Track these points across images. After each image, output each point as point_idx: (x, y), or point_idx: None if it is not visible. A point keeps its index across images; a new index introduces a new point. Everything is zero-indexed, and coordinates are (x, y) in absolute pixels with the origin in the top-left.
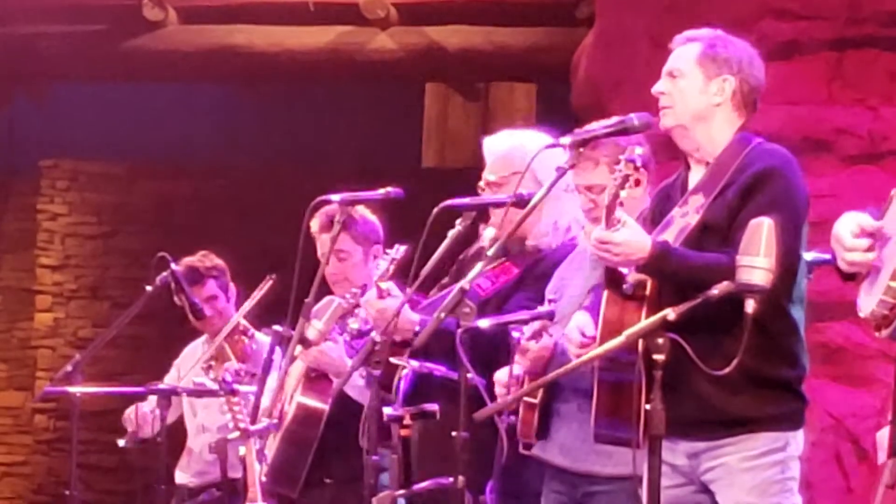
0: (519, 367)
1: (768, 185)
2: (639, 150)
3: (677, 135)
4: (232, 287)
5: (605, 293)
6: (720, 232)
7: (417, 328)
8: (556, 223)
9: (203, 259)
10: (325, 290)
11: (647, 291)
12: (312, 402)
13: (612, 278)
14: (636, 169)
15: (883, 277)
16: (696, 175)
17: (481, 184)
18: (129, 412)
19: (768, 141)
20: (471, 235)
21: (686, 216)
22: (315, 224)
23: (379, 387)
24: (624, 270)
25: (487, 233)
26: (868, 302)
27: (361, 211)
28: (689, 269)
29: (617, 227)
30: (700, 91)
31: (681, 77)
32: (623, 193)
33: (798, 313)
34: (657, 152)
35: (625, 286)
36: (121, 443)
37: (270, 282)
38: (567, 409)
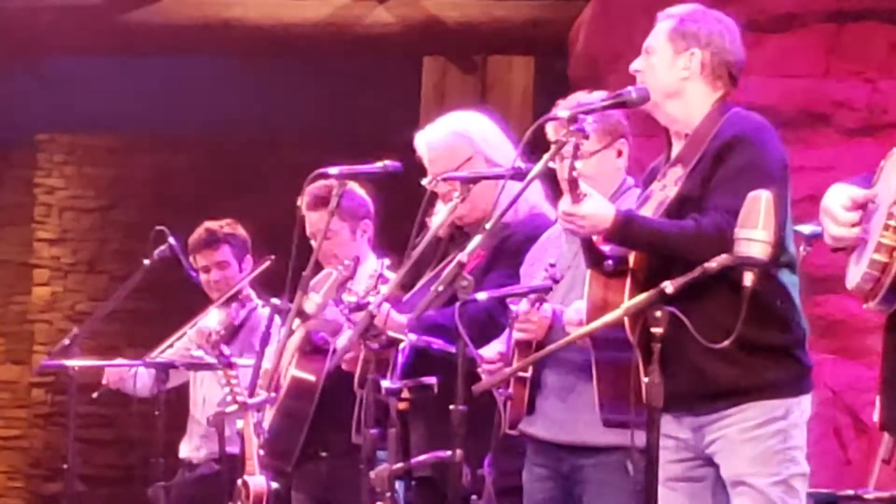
0: (516, 335)
1: (737, 151)
2: (589, 119)
3: (652, 110)
4: (249, 259)
5: (588, 273)
6: (698, 202)
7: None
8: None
9: (224, 225)
10: None
11: (630, 265)
12: (306, 376)
13: (594, 258)
14: (585, 137)
15: (868, 250)
16: (677, 148)
17: (427, 179)
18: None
19: (762, 112)
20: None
21: (665, 189)
22: (302, 202)
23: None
24: (605, 249)
25: (435, 220)
26: (854, 274)
27: (349, 186)
28: (655, 236)
29: (582, 199)
30: (668, 66)
31: (653, 54)
32: (578, 164)
33: (788, 278)
34: (651, 128)
35: (606, 263)
36: (94, 395)
37: (269, 262)
38: (553, 380)
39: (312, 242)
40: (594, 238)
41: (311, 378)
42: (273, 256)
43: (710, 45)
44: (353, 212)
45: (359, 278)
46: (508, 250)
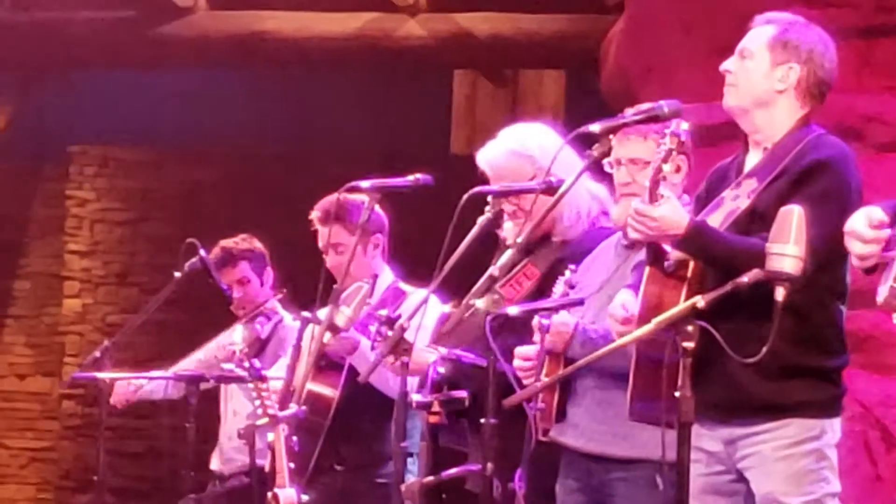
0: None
1: (821, 176)
2: (685, 125)
3: (737, 115)
4: (269, 272)
5: (647, 269)
6: (769, 219)
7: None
8: (578, 213)
9: (240, 242)
10: None
11: (689, 272)
12: (321, 390)
13: (655, 255)
14: (680, 143)
15: (888, 274)
16: (753, 158)
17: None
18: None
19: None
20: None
21: (737, 199)
22: (315, 216)
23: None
24: (667, 248)
25: (507, 226)
26: (884, 289)
27: (359, 199)
28: (724, 251)
29: (659, 201)
30: (764, 75)
31: (749, 58)
32: (666, 167)
33: (841, 307)
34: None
35: (666, 263)
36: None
37: (280, 295)
38: (583, 387)
39: (325, 257)
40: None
41: (327, 392)
42: (284, 290)
43: (809, 62)
44: (363, 226)
45: (375, 294)
46: (562, 271)
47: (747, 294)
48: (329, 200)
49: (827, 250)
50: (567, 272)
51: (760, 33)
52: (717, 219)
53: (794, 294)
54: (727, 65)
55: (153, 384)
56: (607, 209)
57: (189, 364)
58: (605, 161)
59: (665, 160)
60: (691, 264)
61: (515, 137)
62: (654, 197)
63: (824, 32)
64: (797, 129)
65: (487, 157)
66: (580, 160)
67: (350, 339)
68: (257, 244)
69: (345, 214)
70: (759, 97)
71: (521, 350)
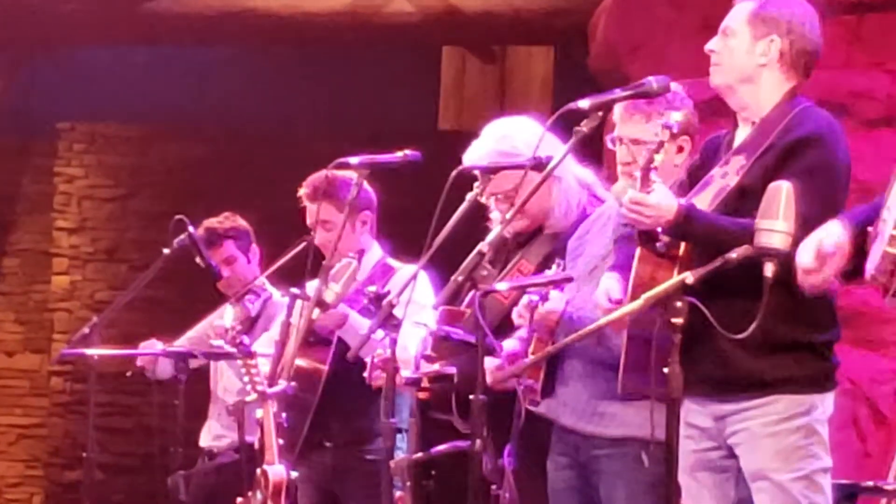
0: (523, 327)
1: (808, 151)
2: (676, 116)
3: (724, 93)
4: (255, 248)
5: (639, 250)
6: (758, 195)
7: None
8: (568, 205)
9: (223, 220)
10: None
11: (681, 252)
12: (310, 366)
13: (646, 235)
14: (673, 136)
15: (883, 242)
16: (742, 134)
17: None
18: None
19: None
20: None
21: (726, 177)
22: (303, 193)
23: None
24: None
25: (494, 215)
26: (870, 265)
27: (347, 176)
28: (714, 234)
29: (651, 187)
30: (746, 51)
31: (731, 36)
32: (657, 158)
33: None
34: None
35: (658, 244)
36: (128, 373)
37: (304, 243)
38: (571, 369)
39: (313, 234)
40: None
41: (316, 366)
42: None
43: (790, 34)
44: (352, 203)
45: (363, 270)
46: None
47: (738, 270)
48: (317, 177)
49: (818, 225)
50: (554, 266)
51: (741, 10)
52: (706, 198)
53: (783, 269)
54: (711, 45)
55: (145, 360)
56: (596, 192)
57: (181, 342)
58: (608, 137)
59: (657, 151)
60: (683, 244)
61: (502, 135)
62: (645, 184)
63: (808, 4)
64: (783, 103)
65: (474, 158)
66: (562, 144)
67: (339, 312)
68: (241, 221)
69: (333, 191)
70: (743, 73)
71: (508, 346)
